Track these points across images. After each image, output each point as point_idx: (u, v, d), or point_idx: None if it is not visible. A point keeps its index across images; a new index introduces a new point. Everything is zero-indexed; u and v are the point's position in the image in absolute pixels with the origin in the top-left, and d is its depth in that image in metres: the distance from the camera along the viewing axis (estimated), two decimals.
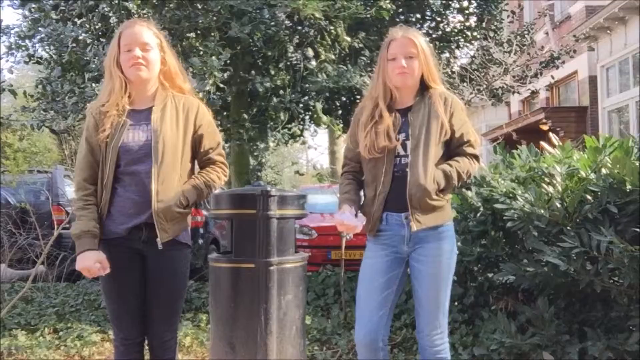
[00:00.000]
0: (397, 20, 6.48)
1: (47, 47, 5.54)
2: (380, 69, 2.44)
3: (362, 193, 2.53)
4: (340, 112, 6.94)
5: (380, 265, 2.40)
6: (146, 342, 2.45)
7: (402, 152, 2.39)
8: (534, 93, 7.79)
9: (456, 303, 3.92)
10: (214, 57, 4.34)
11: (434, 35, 6.87)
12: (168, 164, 2.31)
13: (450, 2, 6.88)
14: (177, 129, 2.36)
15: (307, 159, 30.27)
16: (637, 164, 2.90)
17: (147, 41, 2.31)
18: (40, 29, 5.23)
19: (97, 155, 2.31)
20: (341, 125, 7.18)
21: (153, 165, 2.28)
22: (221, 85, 5.02)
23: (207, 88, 4.39)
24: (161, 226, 2.29)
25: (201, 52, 4.64)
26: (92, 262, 2.21)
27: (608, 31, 11.27)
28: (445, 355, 2.39)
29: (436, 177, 2.32)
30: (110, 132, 2.28)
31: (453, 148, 2.42)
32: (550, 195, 3.04)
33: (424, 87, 2.44)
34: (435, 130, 2.35)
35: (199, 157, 2.47)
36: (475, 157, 2.42)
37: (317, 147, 12.66)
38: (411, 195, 2.32)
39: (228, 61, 5.80)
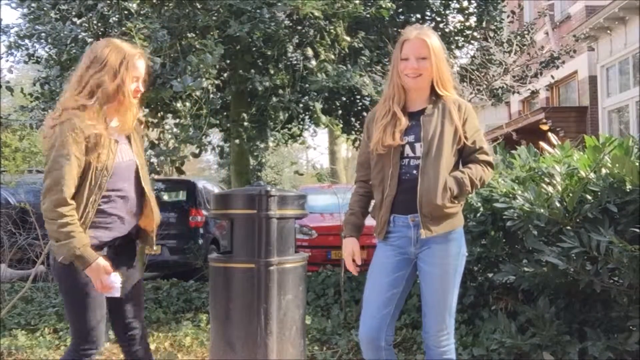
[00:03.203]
0: (397, 20, 6.48)
1: (46, 46, 5.54)
2: (394, 68, 2.45)
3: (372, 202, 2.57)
4: (340, 112, 6.94)
5: (387, 266, 2.42)
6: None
7: (410, 154, 2.39)
8: (534, 93, 7.76)
9: None
10: (208, 54, 4.34)
11: None
12: (148, 182, 2.46)
13: (450, 2, 6.87)
14: (142, 151, 2.54)
15: (307, 159, 30.27)
16: (637, 164, 2.90)
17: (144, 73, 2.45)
18: (38, 27, 5.22)
19: (80, 171, 2.25)
20: (341, 126, 7.17)
21: (143, 183, 2.41)
22: (216, 82, 5.01)
23: (204, 85, 4.39)
24: (153, 237, 2.51)
25: (195, 50, 4.63)
26: (105, 276, 2.22)
27: (608, 31, 11.27)
28: (451, 355, 2.39)
29: (448, 184, 2.32)
30: (107, 153, 2.30)
31: (466, 155, 2.43)
32: (549, 194, 3.04)
33: (435, 92, 2.43)
34: (449, 136, 2.36)
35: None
36: (489, 164, 2.43)
37: (316, 147, 12.72)
38: (422, 205, 2.33)
39: (228, 61, 5.81)
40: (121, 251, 2.41)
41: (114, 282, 2.26)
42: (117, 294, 2.30)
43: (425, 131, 2.36)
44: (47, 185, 2.19)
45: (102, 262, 2.22)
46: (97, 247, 2.29)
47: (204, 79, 4.35)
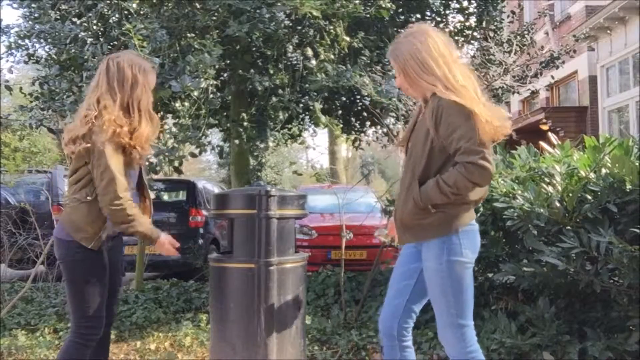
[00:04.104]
0: (397, 20, 6.48)
1: (45, 46, 5.54)
2: None
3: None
4: (339, 112, 6.94)
5: (403, 257, 2.49)
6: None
7: None
8: (534, 93, 7.77)
9: None
10: (206, 54, 4.34)
11: None
12: (146, 179, 2.77)
13: (450, 2, 6.87)
14: None
15: (307, 159, 30.28)
16: (637, 164, 2.90)
17: None
18: (37, 26, 5.22)
19: None
20: (341, 126, 7.17)
21: (144, 180, 2.72)
22: (216, 82, 5.01)
23: (202, 85, 4.39)
24: None
25: (194, 50, 4.64)
26: (168, 238, 2.58)
27: (608, 31, 11.27)
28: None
29: (413, 194, 2.28)
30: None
31: (453, 158, 2.26)
32: (549, 194, 3.04)
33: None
34: (423, 143, 2.29)
35: None
36: (470, 163, 2.15)
37: (315, 147, 12.67)
38: (395, 214, 2.40)
39: (228, 61, 5.81)
40: (117, 241, 2.69)
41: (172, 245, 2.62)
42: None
43: (411, 139, 2.39)
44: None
45: (165, 236, 2.58)
46: (109, 237, 2.55)
47: (202, 79, 4.35)
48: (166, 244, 2.59)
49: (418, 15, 6.67)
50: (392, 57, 2.39)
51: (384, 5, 5.24)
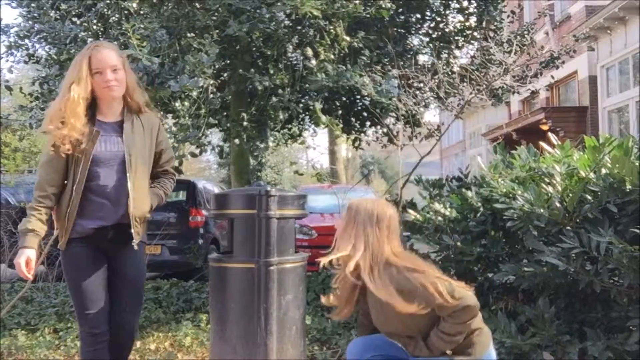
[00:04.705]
0: (397, 20, 6.47)
1: (45, 46, 5.54)
2: None
3: None
4: (340, 112, 6.94)
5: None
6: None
7: None
8: (534, 93, 7.77)
9: None
10: (202, 54, 4.34)
11: (434, 35, 6.85)
12: (140, 174, 2.59)
13: (450, 2, 6.87)
14: (144, 143, 2.62)
15: (307, 159, 30.29)
16: (637, 164, 2.90)
17: (115, 63, 2.51)
18: (37, 25, 5.23)
19: (63, 162, 2.46)
20: (341, 126, 7.17)
21: (128, 175, 2.53)
22: (215, 82, 5.02)
23: (200, 85, 4.38)
24: (136, 229, 2.58)
25: (193, 50, 4.64)
26: (24, 258, 2.38)
27: (608, 31, 11.26)
28: None
29: (425, 353, 2.31)
30: (83, 143, 2.45)
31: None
32: (549, 194, 3.04)
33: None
34: (401, 319, 2.32)
35: (157, 168, 2.77)
36: (454, 313, 2.24)
37: (316, 147, 12.62)
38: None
39: (228, 61, 5.80)
40: (116, 240, 2.59)
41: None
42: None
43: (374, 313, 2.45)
44: None
45: (27, 252, 2.38)
46: (78, 237, 2.48)
47: (200, 79, 4.35)
48: (18, 264, 2.38)
49: (418, 15, 6.67)
50: (347, 213, 2.44)
51: (384, 5, 5.24)
